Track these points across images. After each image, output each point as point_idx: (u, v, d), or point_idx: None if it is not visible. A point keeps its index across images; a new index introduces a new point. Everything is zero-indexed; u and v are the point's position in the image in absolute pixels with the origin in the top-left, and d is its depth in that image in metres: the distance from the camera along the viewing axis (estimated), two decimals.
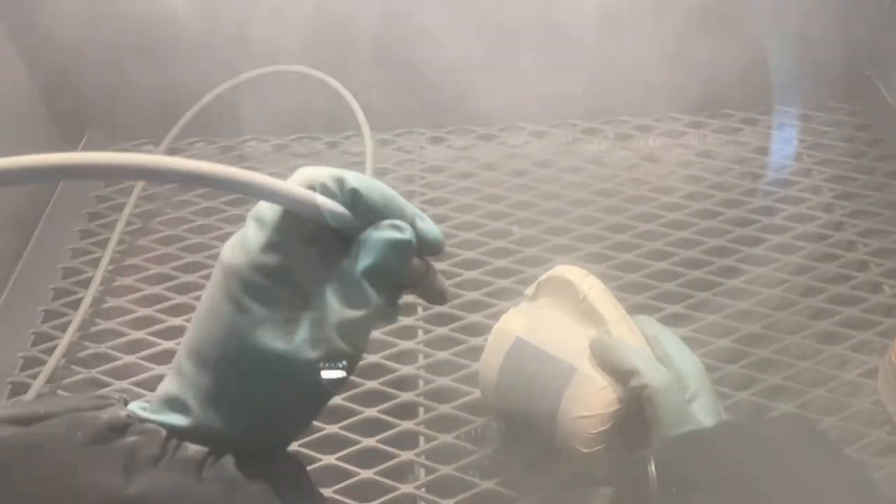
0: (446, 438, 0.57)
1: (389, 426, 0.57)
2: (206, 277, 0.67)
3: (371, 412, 0.58)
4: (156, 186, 0.77)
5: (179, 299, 0.67)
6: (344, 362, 0.32)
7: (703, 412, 0.44)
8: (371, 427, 0.57)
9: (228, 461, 0.31)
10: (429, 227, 0.34)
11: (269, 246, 0.31)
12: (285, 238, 0.31)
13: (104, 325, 0.66)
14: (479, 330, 0.62)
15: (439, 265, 0.67)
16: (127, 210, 0.72)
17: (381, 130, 0.81)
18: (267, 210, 0.32)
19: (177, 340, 0.63)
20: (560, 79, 0.79)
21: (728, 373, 0.59)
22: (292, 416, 0.33)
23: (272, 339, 0.31)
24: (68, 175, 0.27)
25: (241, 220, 0.73)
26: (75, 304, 0.67)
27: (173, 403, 0.32)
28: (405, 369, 0.61)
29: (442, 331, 0.63)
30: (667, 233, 0.70)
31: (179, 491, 0.29)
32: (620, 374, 0.46)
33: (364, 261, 0.31)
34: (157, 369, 0.62)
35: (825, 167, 0.76)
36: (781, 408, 0.56)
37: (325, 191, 0.31)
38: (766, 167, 0.76)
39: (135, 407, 0.32)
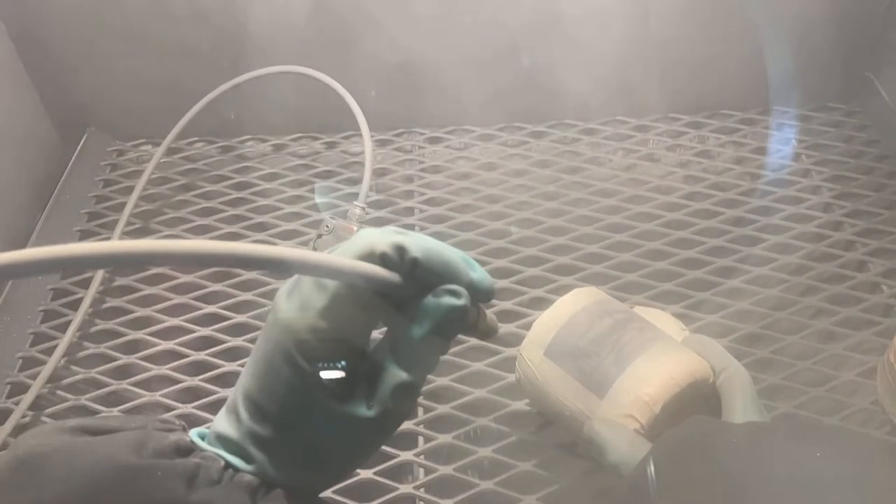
0: (445, 439, 0.57)
1: None
2: (205, 277, 0.68)
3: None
4: (156, 187, 0.77)
5: (178, 300, 0.67)
6: (398, 417, 0.34)
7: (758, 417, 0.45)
8: None
9: (279, 493, 0.33)
10: (481, 276, 0.35)
11: (328, 310, 0.32)
12: (344, 304, 0.32)
13: (103, 325, 0.66)
14: None
15: None
16: (127, 210, 0.72)
17: (380, 130, 0.81)
18: None
19: (176, 340, 0.64)
20: (559, 79, 0.79)
21: None
22: (342, 465, 0.35)
23: (326, 399, 0.32)
24: (152, 262, 0.27)
25: (238, 219, 0.74)
26: (74, 305, 0.67)
27: (229, 445, 0.33)
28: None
29: None
30: (666, 233, 0.70)
31: None
32: (710, 353, 0.47)
33: (423, 328, 0.33)
34: (157, 370, 0.62)
35: (824, 167, 0.76)
36: (780, 408, 0.56)
37: (386, 260, 0.32)
38: (764, 167, 0.76)
39: (194, 436, 0.34)
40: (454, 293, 0.33)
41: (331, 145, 0.82)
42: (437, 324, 0.33)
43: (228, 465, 0.32)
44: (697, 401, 0.47)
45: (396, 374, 0.33)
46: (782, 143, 0.78)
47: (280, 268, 0.29)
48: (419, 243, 0.32)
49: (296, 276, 0.33)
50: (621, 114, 0.82)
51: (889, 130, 0.78)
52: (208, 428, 0.35)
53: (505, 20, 0.77)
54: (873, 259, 0.67)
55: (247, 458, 0.33)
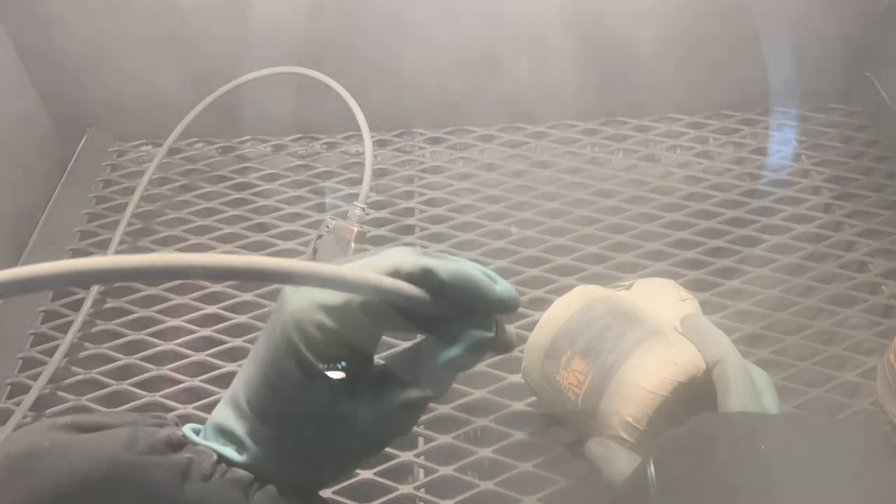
0: (446, 439, 0.57)
1: None
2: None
3: None
4: (156, 187, 0.77)
5: (179, 300, 0.67)
6: (397, 431, 0.34)
7: (770, 403, 0.45)
8: None
9: (272, 489, 0.33)
10: (504, 289, 0.34)
11: (339, 311, 0.32)
12: (355, 308, 0.32)
13: (104, 325, 0.66)
14: None
15: None
16: (128, 211, 0.72)
17: (380, 131, 0.81)
18: None
19: (177, 341, 0.64)
20: (559, 79, 0.79)
21: None
22: (337, 466, 0.35)
23: (328, 396, 0.32)
24: (178, 276, 0.27)
25: (238, 220, 0.74)
26: (74, 305, 0.67)
27: (228, 436, 0.33)
28: None
29: None
30: (666, 233, 0.70)
31: (229, 503, 0.31)
32: (704, 343, 0.47)
33: (453, 353, 0.33)
34: (157, 370, 0.62)
35: (824, 168, 0.76)
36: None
37: (413, 281, 0.32)
38: (764, 168, 0.76)
39: (187, 430, 0.34)
40: (487, 325, 0.34)
41: (331, 146, 0.82)
42: (466, 353, 0.33)
43: (221, 459, 0.32)
44: (692, 397, 0.46)
45: (411, 388, 0.33)
46: (782, 143, 0.78)
47: (313, 283, 0.29)
48: (444, 265, 0.32)
49: None
50: (621, 114, 0.82)
51: (889, 131, 0.78)
52: (202, 426, 0.35)
53: (505, 20, 0.77)
54: (873, 259, 0.67)
55: (244, 450, 0.33)
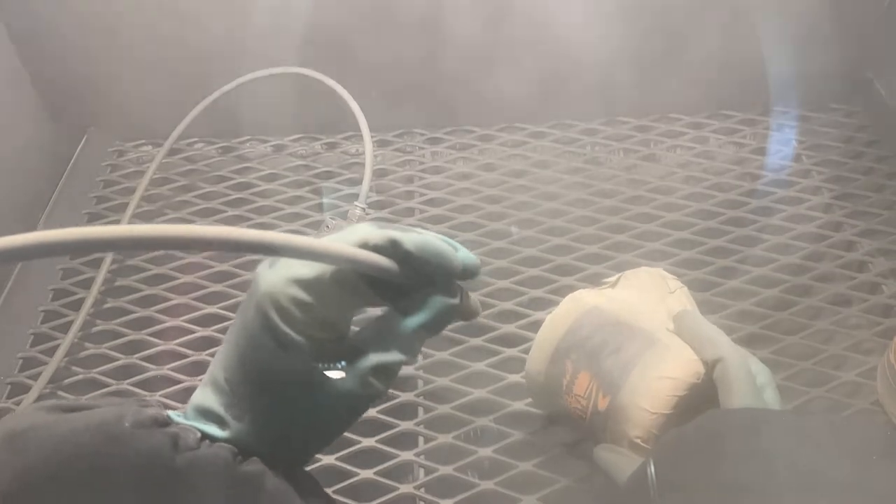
0: (446, 439, 0.57)
1: (389, 426, 0.57)
2: (205, 278, 0.68)
3: (370, 412, 0.58)
4: (156, 187, 0.77)
5: (179, 300, 0.67)
6: (370, 397, 0.35)
7: (772, 399, 0.45)
8: (370, 427, 0.57)
9: (256, 461, 0.33)
10: (466, 256, 0.36)
11: (313, 285, 0.33)
12: (329, 282, 0.33)
13: (104, 325, 0.66)
14: (479, 331, 0.63)
15: None
16: (128, 212, 0.72)
17: (380, 131, 0.81)
18: None
19: (176, 341, 0.64)
20: (558, 79, 0.79)
21: None
22: (318, 437, 0.36)
23: (305, 369, 0.33)
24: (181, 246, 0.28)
25: (239, 220, 0.74)
26: (74, 305, 0.67)
27: (208, 415, 0.34)
28: (404, 370, 0.61)
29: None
30: (666, 233, 0.70)
31: (219, 469, 0.32)
32: (701, 343, 0.46)
33: (419, 319, 0.35)
34: (157, 370, 0.62)
35: (824, 168, 0.76)
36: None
37: (380, 252, 0.34)
38: (765, 168, 0.76)
39: (170, 413, 0.34)
40: (452, 292, 0.35)
41: (331, 146, 0.82)
42: (433, 318, 0.35)
43: (205, 435, 0.33)
44: (696, 402, 0.46)
45: (381, 354, 0.34)
46: (782, 143, 0.78)
47: (286, 253, 0.30)
48: (409, 236, 0.34)
49: None
50: (621, 114, 0.82)
51: (889, 131, 0.78)
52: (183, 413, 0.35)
53: (504, 20, 0.77)
54: (873, 259, 0.67)
55: (225, 426, 0.33)
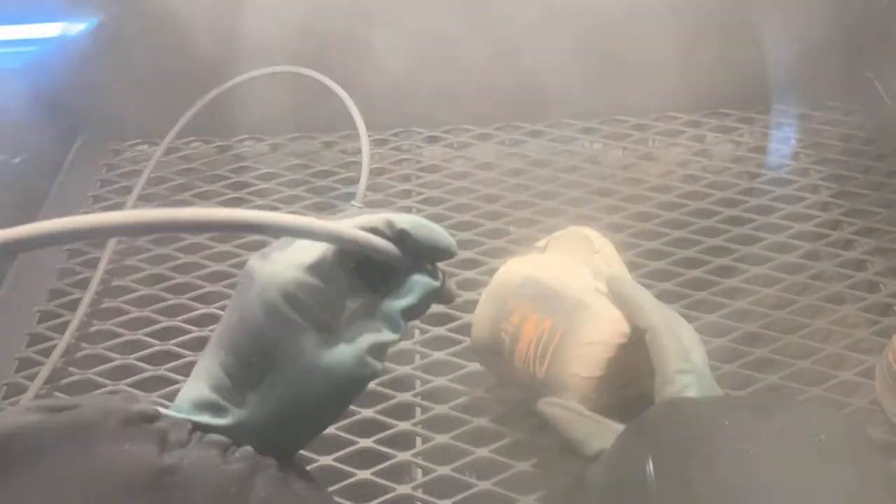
0: (443, 439, 0.56)
1: (386, 427, 0.57)
2: (202, 278, 0.68)
3: (368, 413, 0.58)
4: (153, 187, 0.77)
5: (175, 300, 0.67)
6: (368, 376, 0.36)
7: (700, 361, 0.45)
8: (368, 428, 0.57)
9: (248, 449, 0.33)
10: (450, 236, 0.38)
11: (316, 268, 0.34)
12: (330, 265, 0.35)
13: (100, 326, 0.65)
14: None
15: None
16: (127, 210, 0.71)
17: (377, 130, 0.80)
18: None
19: (173, 341, 0.63)
20: (557, 78, 0.79)
21: (726, 372, 0.59)
22: (317, 420, 0.37)
23: (311, 350, 0.34)
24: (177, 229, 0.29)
25: None
26: (70, 306, 0.66)
27: (203, 406, 0.34)
28: (402, 370, 0.61)
29: (439, 331, 0.63)
30: (664, 232, 0.70)
31: (208, 465, 0.32)
32: (631, 311, 0.47)
33: (407, 301, 0.37)
34: (154, 370, 0.62)
35: (822, 166, 0.75)
36: None
37: (377, 234, 0.35)
38: (763, 166, 0.76)
39: (159, 408, 0.34)
40: (435, 275, 0.38)
41: (328, 145, 0.81)
42: (420, 299, 0.37)
43: (197, 427, 0.33)
44: (628, 359, 0.47)
45: (376, 335, 0.36)
46: (781, 141, 0.78)
47: (287, 233, 0.32)
48: (402, 216, 0.36)
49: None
50: (619, 113, 0.82)
51: (887, 129, 0.78)
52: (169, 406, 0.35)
53: (502, 19, 0.76)
54: (872, 258, 0.67)
55: (223, 414, 0.34)
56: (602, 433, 0.44)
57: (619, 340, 0.47)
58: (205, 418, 0.34)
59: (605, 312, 0.48)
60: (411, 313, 0.37)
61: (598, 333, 0.47)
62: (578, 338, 0.48)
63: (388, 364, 0.61)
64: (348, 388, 0.36)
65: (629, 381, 0.48)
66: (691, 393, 0.42)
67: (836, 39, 0.79)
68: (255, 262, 0.35)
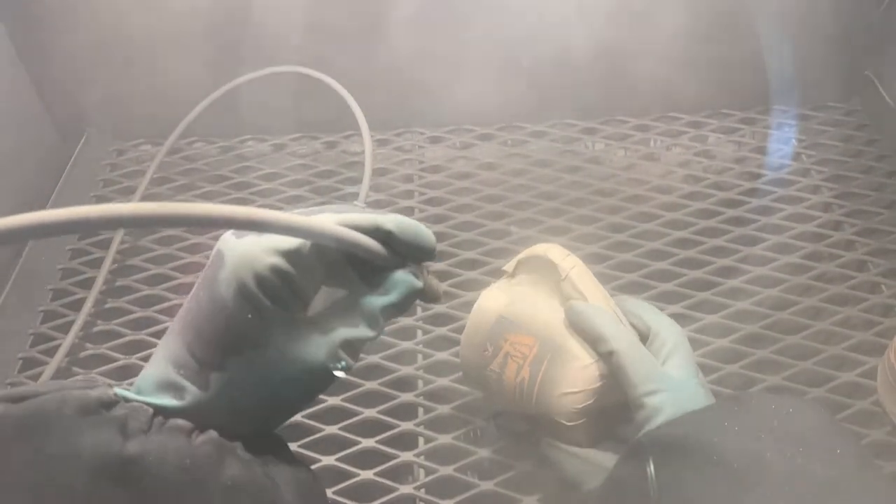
0: (446, 439, 0.57)
1: (389, 427, 0.58)
2: None
3: (370, 413, 0.58)
4: (156, 187, 0.77)
5: (178, 300, 0.67)
6: (340, 369, 0.35)
7: (679, 368, 0.45)
8: (370, 428, 0.58)
9: (213, 434, 0.33)
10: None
11: (293, 254, 0.33)
12: (308, 253, 0.34)
13: (103, 325, 0.66)
14: None
15: (438, 266, 0.67)
16: None
17: (380, 130, 0.81)
18: None
19: None
20: (559, 78, 0.79)
21: (727, 373, 0.59)
22: (282, 409, 0.36)
23: (274, 337, 0.33)
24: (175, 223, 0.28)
25: None
26: (74, 305, 0.67)
27: (165, 387, 0.33)
28: (404, 370, 0.61)
29: (441, 331, 0.63)
30: (665, 232, 0.70)
31: (174, 451, 0.31)
32: (592, 339, 0.46)
33: (389, 298, 0.37)
34: None
35: (824, 167, 0.76)
36: None
37: (362, 232, 0.35)
38: (764, 167, 0.76)
39: (119, 390, 0.33)
40: (418, 275, 0.37)
41: (331, 145, 0.82)
42: (401, 298, 0.37)
43: (158, 411, 0.32)
44: (608, 391, 0.47)
45: (351, 329, 0.35)
46: (782, 142, 0.78)
47: (278, 230, 0.31)
48: (388, 217, 0.36)
49: None
50: (621, 113, 0.82)
51: (889, 130, 0.78)
52: (130, 385, 0.34)
53: (504, 19, 0.77)
54: (873, 259, 0.67)
55: (186, 396, 0.33)
56: (594, 473, 0.45)
57: (593, 385, 0.46)
58: (166, 400, 0.33)
59: (577, 355, 0.47)
60: (391, 311, 0.37)
61: (573, 384, 0.46)
62: (555, 387, 0.47)
63: (390, 364, 0.61)
64: (316, 379, 0.35)
65: (620, 409, 0.46)
66: (662, 415, 0.42)
67: (836, 39, 0.79)
68: (227, 238, 0.34)
